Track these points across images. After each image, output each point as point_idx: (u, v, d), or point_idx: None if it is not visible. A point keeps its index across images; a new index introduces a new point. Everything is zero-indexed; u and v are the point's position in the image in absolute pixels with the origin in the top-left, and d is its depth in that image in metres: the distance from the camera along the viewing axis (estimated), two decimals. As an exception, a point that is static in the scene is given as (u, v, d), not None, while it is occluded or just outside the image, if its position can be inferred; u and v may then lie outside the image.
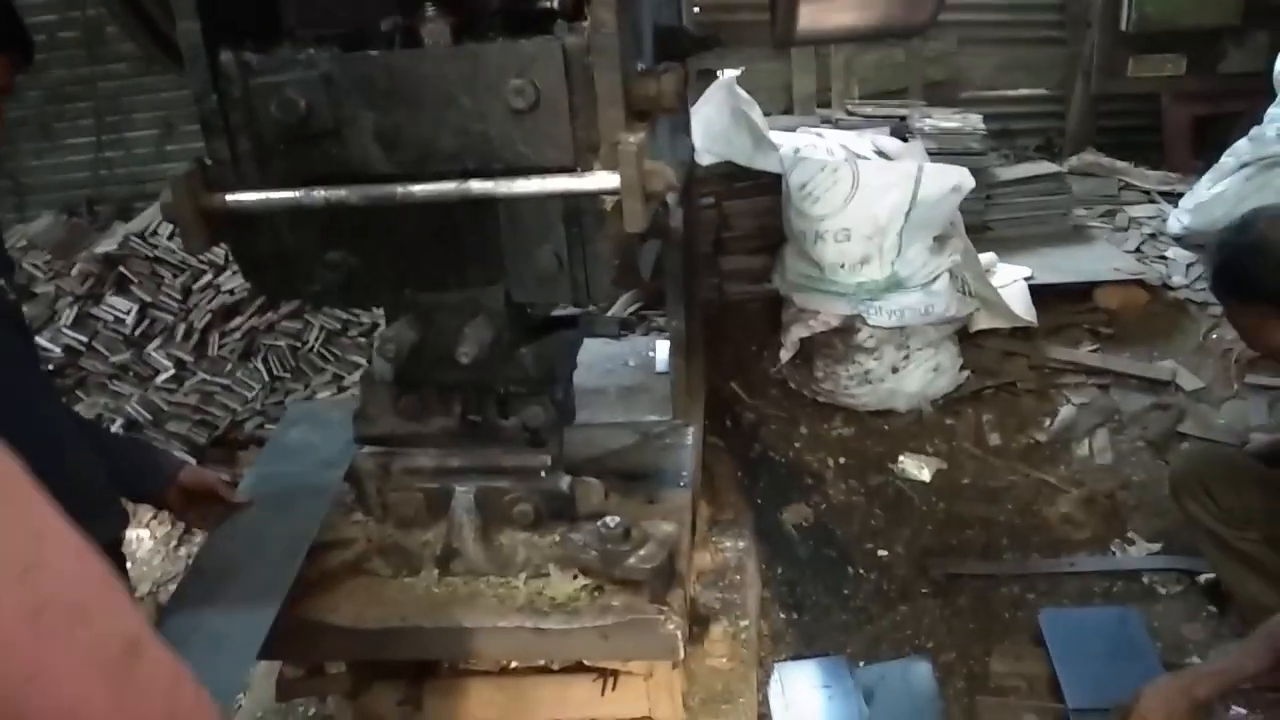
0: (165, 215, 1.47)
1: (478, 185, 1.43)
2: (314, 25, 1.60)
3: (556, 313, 1.90)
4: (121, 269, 3.77)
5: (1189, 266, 3.76)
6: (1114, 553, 2.77)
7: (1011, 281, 3.45)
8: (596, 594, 1.71)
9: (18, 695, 0.67)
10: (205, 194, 1.47)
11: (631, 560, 1.68)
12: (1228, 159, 3.87)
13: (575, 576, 1.73)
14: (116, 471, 1.76)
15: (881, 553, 2.84)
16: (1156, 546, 2.76)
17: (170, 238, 3.72)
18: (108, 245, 3.83)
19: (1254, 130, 3.85)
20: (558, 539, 1.76)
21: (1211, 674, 1.95)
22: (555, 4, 1.50)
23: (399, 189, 1.45)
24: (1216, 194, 3.80)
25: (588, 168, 1.46)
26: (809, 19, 1.47)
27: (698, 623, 2.24)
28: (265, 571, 1.68)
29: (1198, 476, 2.33)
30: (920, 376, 3.19)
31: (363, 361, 3.69)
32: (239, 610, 1.61)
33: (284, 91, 1.45)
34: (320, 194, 1.45)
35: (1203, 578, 2.59)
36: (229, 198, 1.48)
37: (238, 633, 1.56)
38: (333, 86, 1.47)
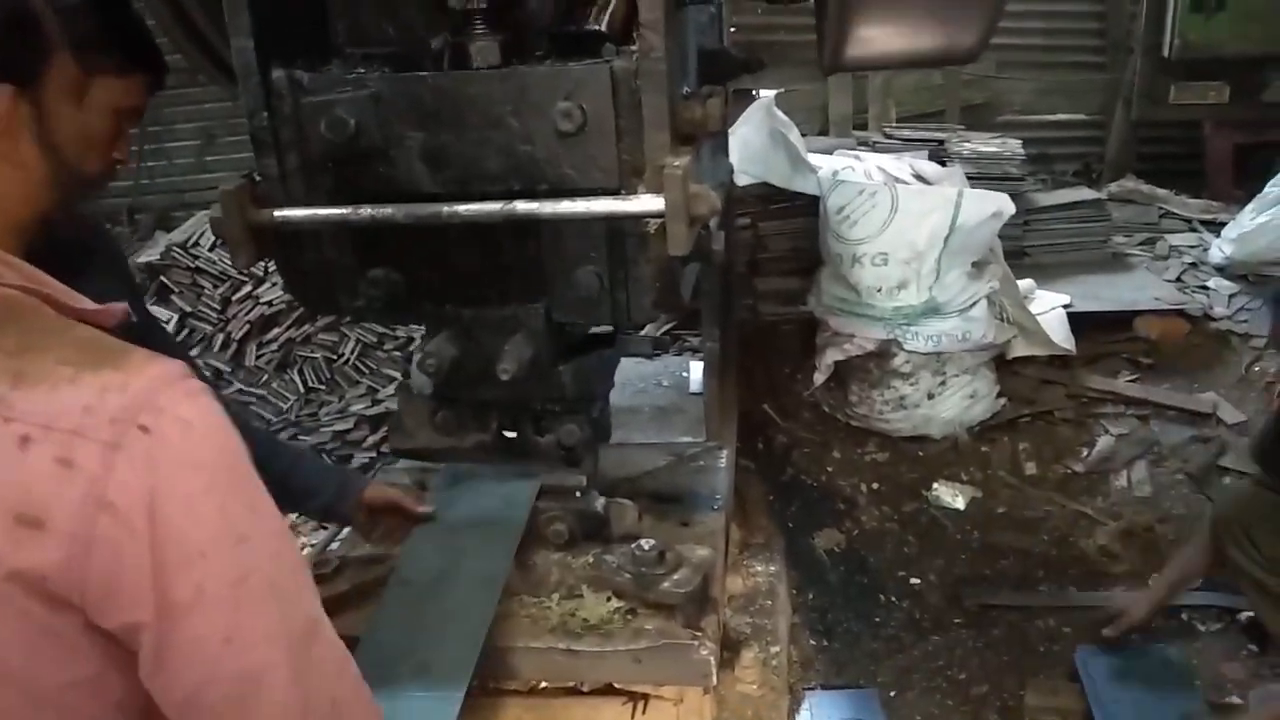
0: (214, 230, 1.49)
1: (523, 206, 1.43)
2: (363, 44, 1.62)
3: (593, 330, 1.90)
4: (163, 278, 3.83)
5: (1231, 297, 3.71)
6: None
7: (1050, 309, 3.42)
8: (630, 617, 1.70)
9: (216, 654, 0.76)
10: (254, 209, 1.49)
11: (666, 584, 1.67)
12: (1272, 189, 3.83)
13: (609, 599, 1.72)
14: (293, 488, 1.74)
15: (914, 581, 2.81)
16: (1196, 582, 2.70)
17: (211, 249, 3.77)
18: (150, 255, 3.89)
19: (1300, 161, 3.81)
20: (591, 560, 1.76)
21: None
22: (603, 27, 1.51)
23: (444, 208, 1.45)
24: (1260, 224, 3.75)
25: (632, 190, 1.46)
26: (858, 46, 1.47)
27: (728, 648, 2.22)
28: (465, 597, 1.65)
29: (1240, 521, 2.28)
30: (956, 403, 3.16)
31: (397, 375, 3.71)
32: (445, 639, 1.59)
33: (334, 110, 1.46)
34: (367, 211, 1.47)
35: (1243, 615, 2.54)
36: (277, 213, 1.49)
37: (446, 665, 1.54)
38: (382, 106, 1.48)
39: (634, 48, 1.43)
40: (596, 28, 1.51)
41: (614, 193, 1.46)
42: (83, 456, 0.72)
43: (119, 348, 0.79)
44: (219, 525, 0.77)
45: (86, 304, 0.86)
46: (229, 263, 3.80)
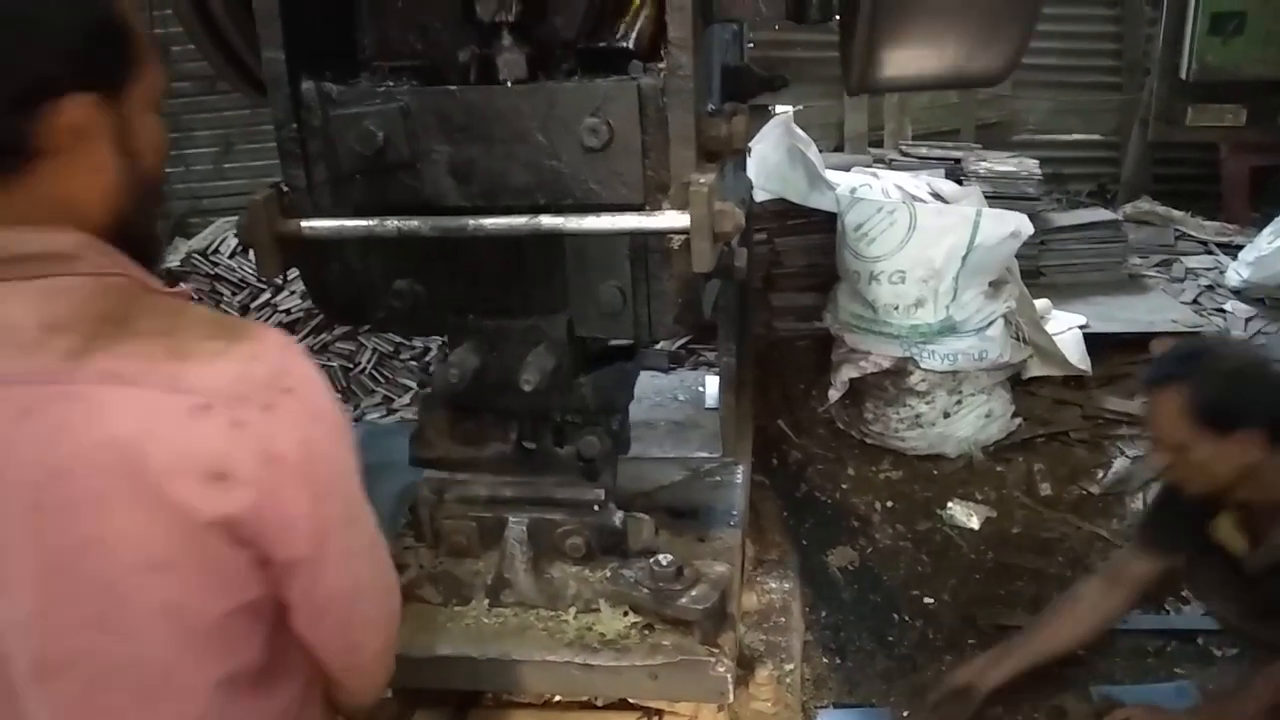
0: (241, 238, 1.50)
1: (548, 220, 1.44)
2: (392, 57, 1.63)
3: (614, 342, 1.90)
4: (182, 285, 3.84)
5: (1248, 321, 3.70)
6: (1168, 611, 2.70)
7: (1066, 329, 3.41)
8: (647, 632, 1.70)
9: (344, 568, 0.98)
10: (280, 219, 1.50)
11: (683, 600, 1.67)
12: (1290, 212, 3.82)
13: (626, 613, 1.72)
14: None
15: (928, 600, 2.79)
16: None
17: (231, 256, 3.79)
18: (169, 261, 3.91)
19: (1318, 185, 3.80)
20: (609, 574, 1.76)
21: (1212, 713, 1.97)
22: (631, 44, 1.52)
23: (470, 222, 1.47)
24: (1277, 248, 3.74)
25: (657, 207, 1.47)
26: (886, 67, 1.47)
27: (743, 665, 2.21)
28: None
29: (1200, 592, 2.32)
30: (972, 422, 3.16)
31: (413, 385, 3.72)
32: None
33: (363, 123, 1.48)
34: (393, 224, 1.48)
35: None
36: (303, 224, 1.51)
37: None
38: (410, 119, 1.50)
39: (661, 65, 1.44)
40: (624, 44, 1.53)
41: (639, 209, 1.47)
42: (249, 417, 0.85)
43: (235, 321, 0.94)
44: (342, 462, 0.96)
45: (160, 285, 0.95)
46: (248, 270, 3.82)
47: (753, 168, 3.03)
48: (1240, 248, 4.06)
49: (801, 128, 3.67)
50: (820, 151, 3.96)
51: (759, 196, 3.32)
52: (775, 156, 3.41)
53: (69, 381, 0.83)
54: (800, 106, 4.88)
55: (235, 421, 0.85)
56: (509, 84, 1.49)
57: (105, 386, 0.83)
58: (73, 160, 0.89)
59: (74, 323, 0.85)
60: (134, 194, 0.94)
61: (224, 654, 0.93)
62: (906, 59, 1.50)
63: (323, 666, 1.07)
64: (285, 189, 1.56)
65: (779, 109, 4.21)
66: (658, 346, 3.40)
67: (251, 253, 1.58)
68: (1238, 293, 3.87)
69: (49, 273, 0.86)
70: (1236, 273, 3.89)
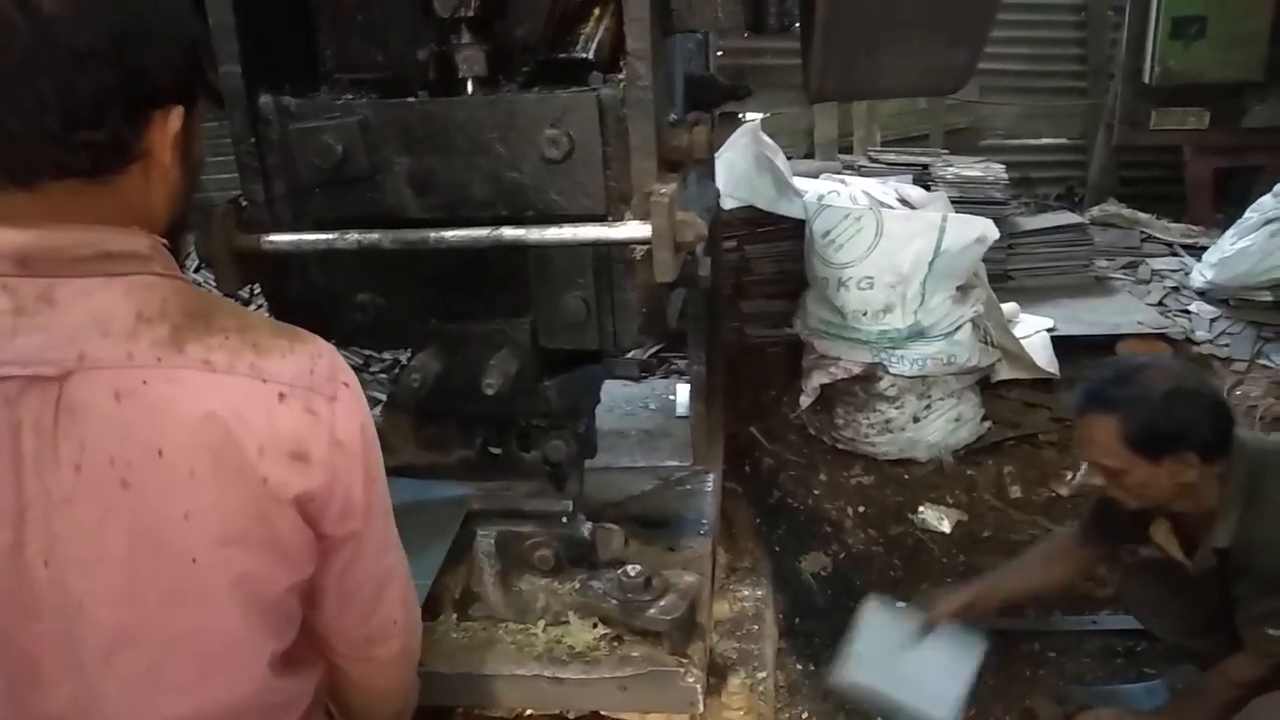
0: (200, 254, 1.48)
1: (510, 232, 1.44)
2: (352, 69, 1.63)
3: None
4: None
5: (1213, 321, 3.74)
6: (1136, 611, 2.73)
7: (1034, 332, 3.44)
8: (616, 644, 1.69)
9: (381, 549, 1.09)
10: (239, 234, 1.49)
11: (652, 611, 1.67)
12: (1252, 214, 3.87)
13: (595, 625, 1.72)
14: None
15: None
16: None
17: (197, 270, 3.74)
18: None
19: (1278, 187, 3.85)
20: (578, 586, 1.75)
21: (1173, 714, 2.02)
22: (591, 55, 1.52)
23: (431, 234, 1.46)
24: (1240, 249, 3.79)
25: (619, 217, 1.47)
26: (843, 76, 1.48)
27: (715, 674, 2.20)
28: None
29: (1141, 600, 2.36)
30: (941, 426, 3.17)
31: (382, 397, 3.69)
32: None
33: (321, 137, 1.47)
34: (353, 237, 1.47)
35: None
36: (263, 238, 1.49)
37: None
38: (369, 132, 1.49)
39: (621, 76, 1.44)
40: (584, 55, 1.53)
41: (601, 219, 1.47)
42: (319, 406, 0.96)
43: (287, 325, 1.03)
44: (380, 452, 1.05)
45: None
46: (214, 284, 3.77)
47: (721, 175, 3.04)
48: (1205, 249, 4.11)
49: (772, 134, 3.69)
50: (790, 158, 3.98)
51: (728, 204, 3.32)
52: (743, 164, 3.42)
53: (167, 366, 0.90)
54: (770, 114, 4.91)
55: (309, 409, 0.95)
56: (469, 84, 1.48)
57: (200, 372, 0.91)
58: (156, 167, 0.96)
59: (163, 315, 0.92)
60: (186, 203, 1.02)
61: (279, 629, 1.03)
62: (863, 68, 1.51)
63: (339, 664, 1.15)
64: (244, 203, 1.55)
65: (748, 116, 4.24)
66: (629, 356, 3.40)
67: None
68: (1202, 294, 3.91)
69: (133, 271, 0.92)
70: (1201, 274, 3.94)
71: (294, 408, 0.94)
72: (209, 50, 1.54)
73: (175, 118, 0.94)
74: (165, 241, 0.98)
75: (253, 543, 0.94)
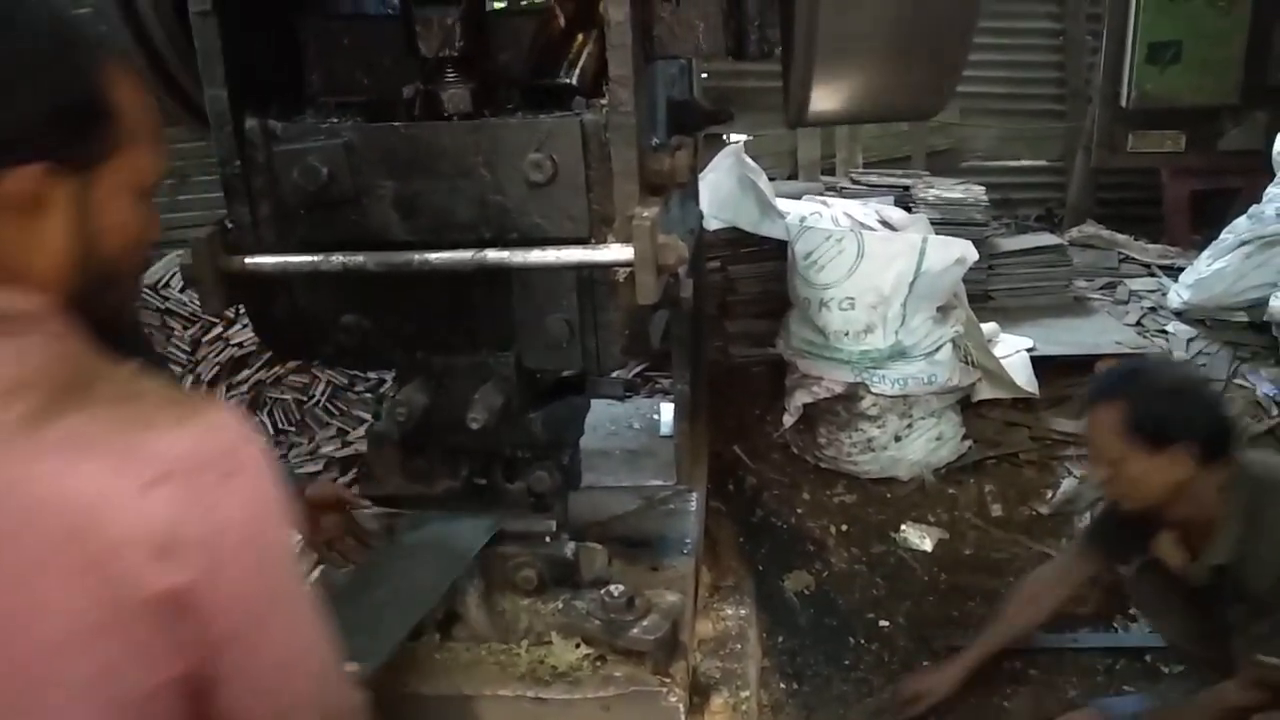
0: (185, 276, 1.49)
1: (494, 255, 1.46)
2: (338, 93, 1.65)
3: (564, 375, 1.91)
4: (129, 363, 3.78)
5: (1189, 341, 3.78)
6: (1116, 629, 2.75)
7: (1014, 352, 3.47)
8: (599, 664, 1.70)
9: (287, 640, 0.96)
10: (225, 256, 1.50)
11: (635, 631, 1.67)
12: (1227, 236, 3.92)
13: (578, 645, 1.72)
14: None
15: (883, 623, 2.82)
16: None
17: (182, 290, 3.74)
18: (117, 295, 3.85)
19: (1253, 208, 3.91)
20: (560, 606, 1.76)
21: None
22: (574, 81, 1.54)
23: (416, 256, 1.47)
24: (1216, 270, 3.85)
25: (602, 240, 1.49)
26: (822, 102, 1.51)
27: (698, 693, 2.21)
28: (389, 609, 1.66)
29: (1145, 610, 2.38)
30: (923, 445, 3.20)
31: (367, 417, 3.69)
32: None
33: (307, 159, 1.49)
34: (338, 259, 1.48)
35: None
36: (248, 260, 1.51)
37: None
38: (354, 155, 1.51)
39: (604, 101, 1.46)
40: (567, 81, 1.55)
41: (584, 242, 1.49)
42: (206, 488, 0.85)
43: (189, 395, 0.95)
44: (285, 536, 0.97)
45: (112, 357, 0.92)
46: (199, 305, 3.77)
47: (705, 197, 3.07)
48: (1182, 270, 4.16)
49: (756, 156, 3.73)
50: (774, 179, 4.02)
51: (712, 225, 3.35)
52: (727, 186, 3.45)
53: (31, 442, 0.81)
54: (753, 136, 4.95)
55: (192, 489, 0.84)
56: (454, 119, 1.50)
57: (62, 453, 0.82)
58: (24, 227, 0.87)
59: (34, 386, 0.83)
60: (90, 274, 0.92)
61: None
62: (842, 94, 1.54)
63: None
64: (230, 225, 1.56)
65: (733, 138, 4.28)
66: (613, 375, 3.41)
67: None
68: (1179, 314, 3.96)
69: (10, 333, 0.85)
70: (1178, 294, 3.99)
71: (172, 491, 0.83)
72: (165, 83, 1.52)
73: (27, 179, 0.85)
74: (117, 315, 0.92)
75: (111, 641, 0.84)
